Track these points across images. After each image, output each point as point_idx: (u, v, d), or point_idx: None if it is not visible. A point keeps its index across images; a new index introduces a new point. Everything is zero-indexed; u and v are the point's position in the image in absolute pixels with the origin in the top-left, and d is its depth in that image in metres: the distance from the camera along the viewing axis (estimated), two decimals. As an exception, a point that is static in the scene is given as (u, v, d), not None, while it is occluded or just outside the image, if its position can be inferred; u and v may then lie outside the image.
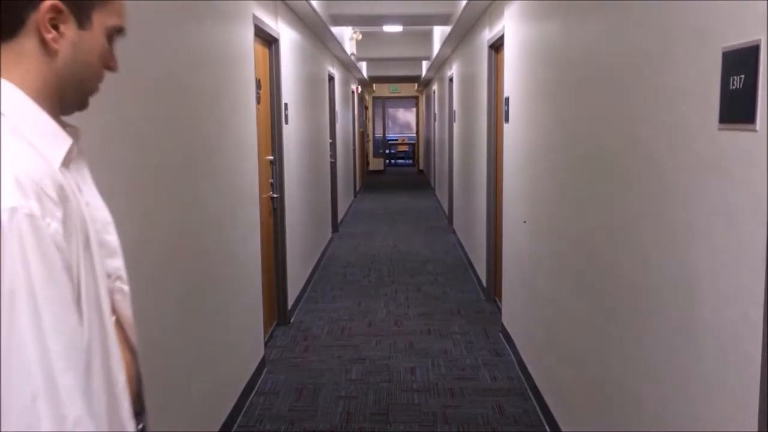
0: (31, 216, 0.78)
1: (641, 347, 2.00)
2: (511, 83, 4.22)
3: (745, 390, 1.39)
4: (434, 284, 6.14)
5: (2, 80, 0.87)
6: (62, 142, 0.91)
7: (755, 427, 1.35)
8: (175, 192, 2.51)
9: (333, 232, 8.77)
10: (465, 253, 7.22)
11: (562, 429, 2.99)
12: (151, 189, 2.25)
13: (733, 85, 1.41)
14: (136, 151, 2.12)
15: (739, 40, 1.39)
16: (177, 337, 2.52)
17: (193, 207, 2.74)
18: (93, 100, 1.67)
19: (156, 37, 2.32)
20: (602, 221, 2.38)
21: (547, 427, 3.23)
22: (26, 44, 0.89)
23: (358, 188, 14.27)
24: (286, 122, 4.95)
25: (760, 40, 1.32)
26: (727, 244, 1.46)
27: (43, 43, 0.90)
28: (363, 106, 16.83)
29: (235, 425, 3.29)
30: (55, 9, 0.89)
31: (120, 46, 2.02)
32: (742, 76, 1.38)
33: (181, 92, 2.59)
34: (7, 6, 0.86)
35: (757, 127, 1.33)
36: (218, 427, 3.06)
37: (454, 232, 8.66)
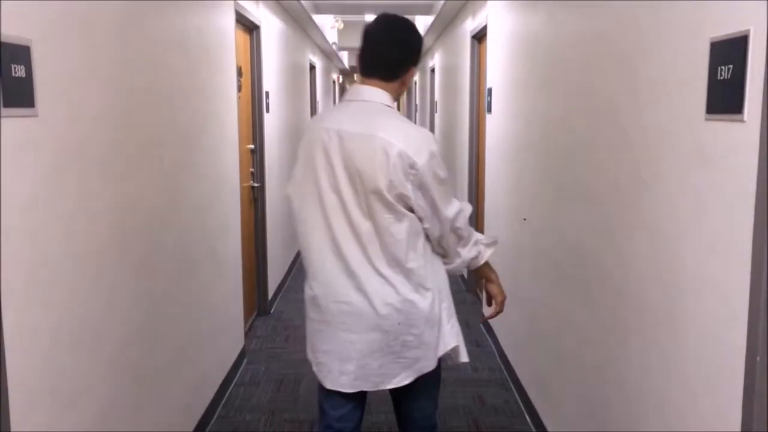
0: (436, 144, 1.90)
1: (623, 338, 2.00)
2: (494, 74, 4.20)
3: (728, 382, 1.39)
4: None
5: (386, 92, 1.95)
6: None
7: (738, 418, 1.35)
8: (156, 180, 2.46)
9: (313, 223, 8.71)
10: (446, 244, 7.20)
11: (543, 419, 3.00)
12: (132, 176, 2.21)
13: (721, 75, 1.41)
14: (115, 138, 2.07)
15: (727, 30, 1.39)
16: (158, 326, 2.48)
17: (174, 196, 2.69)
18: (61, 92, 1.65)
19: (134, 22, 2.27)
20: (585, 212, 2.38)
21: (527, 417, 3.24)
22: (395, 83, 1.97)
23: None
24: (267, 111, 4.90)
25: (749, 30, 1.31)
26: (713, 235, 1.46)
27: (401, 83, 1.99)
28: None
29: (215, 415, 3.26)
30: (413, 73, 2.01)
31: (98, 33, 1.99)
32: (731, 66, 1.37)
33: (161, 78, 2.54)
34: (400, 69, 1.96)
35: (745, 118, 1.33)
36: (198, 417, 3.03)
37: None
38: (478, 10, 4.90)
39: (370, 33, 1.96)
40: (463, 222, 1.97)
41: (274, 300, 5.17)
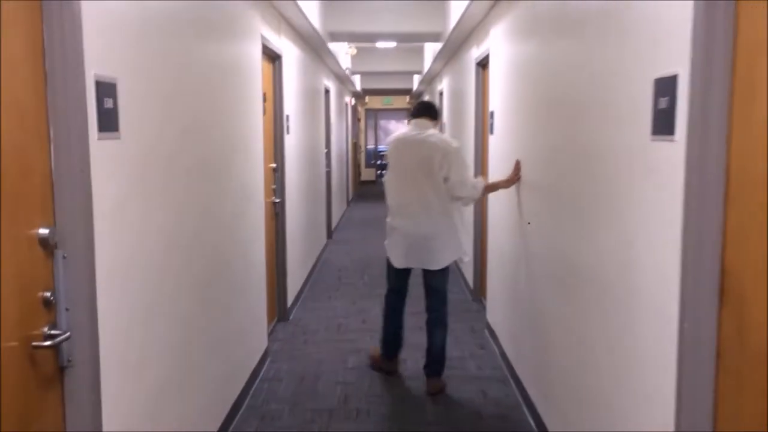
0: (459, 146, 3.80)
1: (599, 330, 2.37)
2: (496, 98, 4.61)
3: (667, 356, 1.76)
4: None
5: (430, 121, 3.89)
6: None
7: (674, 374, 1.72)
8: (202, 192, 2.87)
9: (327, 239, 9.12)
10: (454, 259, 7.57)
11: (538, 409, 3.35)
12: (185, 187, 2.62)
13: (661, 105, 1.80)
14: (173, 155, 2.48)
15: (664, 71, 1.78)
16: (200, 319, 2.86)
17: (212, 208, 3.09)
18: (135, 119, 2.12)
19: (189, 57, 2.69)
20: (572, 221, 2.76)
21: (525, 408, 3.59)
22: (434, 122, 3.90)
23: (350, 197, 14.64)
24: (288, 132, 5.32)
25: (678, 72, 1.70)
26: (657, 231, 1.84)
27: (437, 124, 3.94)
28: (356, 118, 17.23)
29: (244, 406, 3.63)
30: (439, 121, 4.45)
31: (162, 69, 2.43)
32: (667, 98, 1.76)
33: (207, 104, 2.95)
34: (434, 117, 3.92)
35: (676, 138, 1.71)
36: (228, 406, 3.40)
37: (443, 239, 9.02)
38: (482, 40, 5.32)
39: (419, 107, 3.97)
40: (469, 180, 3.74)
41: (292, 308, 5.55)
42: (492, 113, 4.75)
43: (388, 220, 3.90)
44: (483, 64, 5.44)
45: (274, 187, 5.02)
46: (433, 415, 3.56)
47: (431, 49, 8.92)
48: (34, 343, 1.64)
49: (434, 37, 7.46)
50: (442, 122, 4.01)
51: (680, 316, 1.69)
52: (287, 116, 5.28)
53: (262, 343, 4.28)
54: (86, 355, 1.79)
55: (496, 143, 4.64)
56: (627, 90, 2.06)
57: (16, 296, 1.58)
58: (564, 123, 2.84)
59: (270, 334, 4.80)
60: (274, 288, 5.13)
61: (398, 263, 3.85)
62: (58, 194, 1.73)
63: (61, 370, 1.76)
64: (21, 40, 1.61)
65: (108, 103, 1.92)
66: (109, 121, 1.92)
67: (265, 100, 4.61)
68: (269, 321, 4.84)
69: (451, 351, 4.54)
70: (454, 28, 5.76)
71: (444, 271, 3.81)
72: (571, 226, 2.73)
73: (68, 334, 1.71)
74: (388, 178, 3.89)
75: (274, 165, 4.99)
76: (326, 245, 8.71)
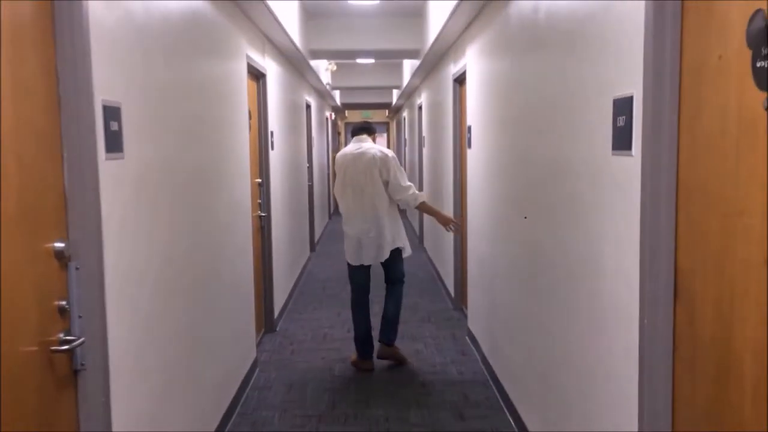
0: (394, 155, 4.45)
1: (570, 332, 2.55)
2: (473, 113, 4.81)
3: (632, 352, 1.94)
4: (407, 296, 6.60)
5: (375, 142, 4.62)
6: None
7: (636, 380, 1.91)
8: (196, 207, 3.01)
9: (311, 251, 9.25)
10: (435, 269, 7.76)
11: (517, 408, 3.52)
12: (181, 204, 2.76)
13: (619, 123, 1.99)
14: (170, 173, 2.63)
15: (622, 92, 1.98)
16: (193, 332, 3.00)
17: (205, 223, 3.24)
18: (137, 140, 2.26)
19: (183, 81, 2.85)
20: (543, 226, 2.95)
21: (505, 409, 3.76)
22: (371, 137, 4.67)
23: (332, 210, 14.78)
24: (272, 148, 5.47)
25: (633, 93, 1.90)
26: (620, 235, 2.03)
27: (373, 138, 4.68)
28: (336, 132, 17.41)
29: (235, 413, 3.76)
30: (374, 137, 4.74)
31: (160, 94, 2.59)
32: (624, 117, 1.96)
33: (201, 122, 3.10)
34: (371, 134, 4.66)
35: (633, 153, 1.90)
36: (221, 413, 3.52)
37: (424, 250, 9.21)
38: (459, 57, 5.54)
39: (358, 126, 4.69)
40: (407, 185, 4.38)
41: (279, 319, 5.68)
42: (470, 128, 4.95)
43: (342, 226, 4.55)
44: (460, 80, 5.65)
45: (259, 201, 5.17)
46: (417, 417, 3.71)
47: (410, 65, 9.13)
48: (52, 348, 1.78)
49: (412, 54, 7.68)
50: (376, 135, 4.71)
51: (640, 313, 1.88)
52: (271, 132, 5.44)
53: (251, 353, 4.41)
54: (97, 360, 1.93)
55: (474, 157, 4.83)
56: (590, 108, 2.26)
57: (36, 305, 1.73)
58: (534, 137, 3.04)
59: (258, 344, 4.93)
60: (261, 300, 5.26)
61: (353, 261, 4.48)
62: (71, 210, 1.88)
63: (75, 373, 1.90)
64: (37, 71, 1.76)
65: (114, 126, 2.07)
66: (115, 143, 2.07)
67: (250, 117, 4.77)
68: (257, 332, 4.96)
69: (434, 357, 4.71)
70: (432, 46, 5.97)
71: (394, 260, 4.49)
72: (542, 234, 2.92)
73: (82, 339, 1.85)
74: (337, 190, 4.51)
75: (259, 180, 5.13)
76: (309, 258, 8.84)
